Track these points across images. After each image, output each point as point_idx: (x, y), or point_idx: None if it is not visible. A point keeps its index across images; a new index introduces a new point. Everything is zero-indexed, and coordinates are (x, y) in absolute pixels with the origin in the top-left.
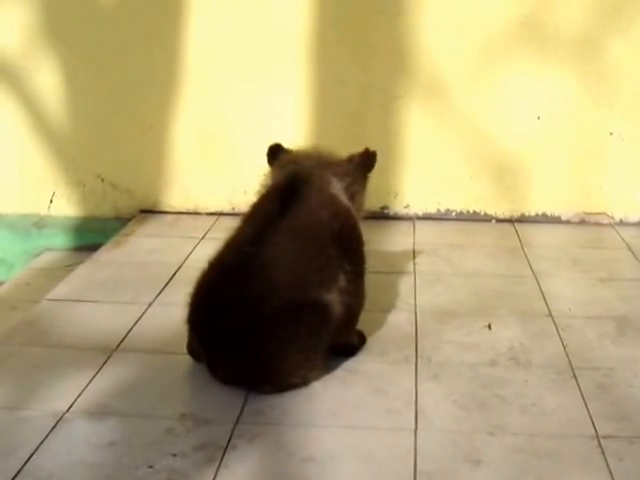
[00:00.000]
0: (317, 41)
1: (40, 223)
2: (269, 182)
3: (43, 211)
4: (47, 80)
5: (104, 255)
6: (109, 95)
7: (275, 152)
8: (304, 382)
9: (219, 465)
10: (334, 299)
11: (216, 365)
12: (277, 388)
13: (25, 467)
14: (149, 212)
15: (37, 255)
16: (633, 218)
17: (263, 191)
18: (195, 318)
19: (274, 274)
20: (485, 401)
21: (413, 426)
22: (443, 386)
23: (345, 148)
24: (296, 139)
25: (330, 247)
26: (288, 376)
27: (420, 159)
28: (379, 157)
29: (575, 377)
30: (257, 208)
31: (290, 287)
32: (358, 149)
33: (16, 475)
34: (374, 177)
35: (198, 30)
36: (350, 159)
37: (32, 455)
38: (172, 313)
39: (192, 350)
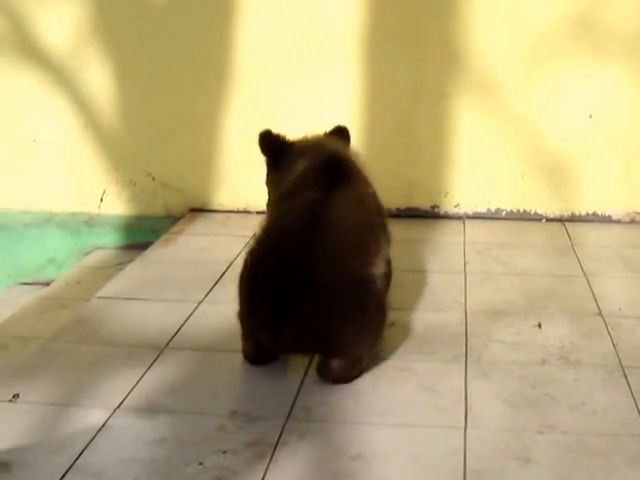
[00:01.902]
0: (368, 40)
1: (90, 221)
2: (293, 169)
3: (94, 209)
4: (99, 79)
5: (154, 253)
6: (160, 94)
7: (270, 141)
8: (373, 356)
9: (269, 462)
10: (382, 268)
11: (286, 332)
12: (349, 360)
13: (76, 463)
14: (199, 211)
15: (87, 253)
16: None
17: (295, 176)
18: (266, 288)
19: (344, 238)
20: (535, 400)
21: (463, 424)
22: (493, 385)
23: (396, 146)
24: None
25: (377, 218)
26: (362, 344)
27: (470, 158)
28: (429, 155)
29: (625, 376)
30: (300, 185)
31: (359, 254)
32: (409, 147)
33: (67, 471)
34: (425, 176)
35: (249, 28)
36: (331, 135)
37: (83, 451)
38: (222, 311)
39: (251, 353)
